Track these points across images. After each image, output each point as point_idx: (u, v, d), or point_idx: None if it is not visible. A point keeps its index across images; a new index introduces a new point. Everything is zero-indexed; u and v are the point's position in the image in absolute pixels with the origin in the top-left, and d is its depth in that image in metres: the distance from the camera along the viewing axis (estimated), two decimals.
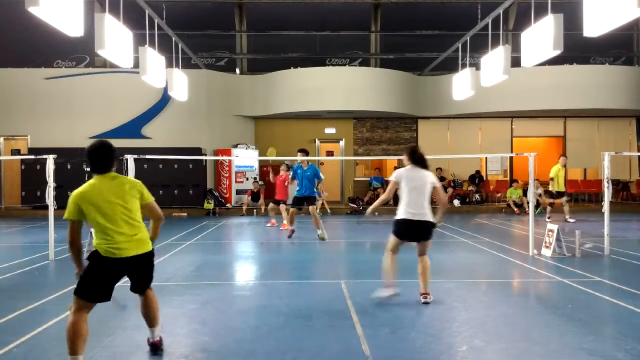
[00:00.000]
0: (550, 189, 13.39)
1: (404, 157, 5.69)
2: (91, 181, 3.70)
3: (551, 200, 13.73)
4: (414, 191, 5.44)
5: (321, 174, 10.56)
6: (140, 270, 3.80)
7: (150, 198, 3.86)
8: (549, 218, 12.99)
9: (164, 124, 16.99)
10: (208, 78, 17.38)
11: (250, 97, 18.00)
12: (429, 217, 5.48)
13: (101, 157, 3.71)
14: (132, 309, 5.25)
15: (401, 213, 5.49)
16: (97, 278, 3.61)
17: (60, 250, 8.76)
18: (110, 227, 3.60)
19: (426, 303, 5.42)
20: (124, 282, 3.86)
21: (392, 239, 5.64)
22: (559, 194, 13.36)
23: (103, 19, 7.35)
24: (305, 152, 10.43)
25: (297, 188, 10.34)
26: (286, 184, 12.27)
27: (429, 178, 5.55)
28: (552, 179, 13.21)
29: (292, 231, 10.42)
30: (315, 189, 10.41)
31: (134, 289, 3.90)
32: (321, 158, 18.98)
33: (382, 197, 5.74)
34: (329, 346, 4.17)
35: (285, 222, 12.18)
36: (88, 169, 3.77)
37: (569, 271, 7.02)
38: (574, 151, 19.00)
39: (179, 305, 5.40)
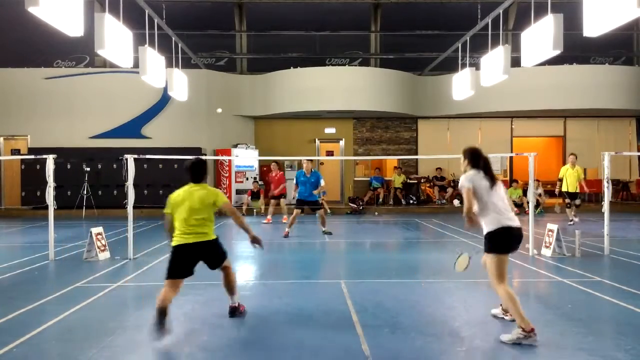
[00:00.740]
0: (556, 190, 12.70)
1: (464, 162, 4.77)
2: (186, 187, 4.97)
3: (567, 201, 12.65)
4: (496, 195, 4.55)
5: (322, 182, 11.07)
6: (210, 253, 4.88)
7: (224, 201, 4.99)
8: (571, 222, 12.28)
9: (164, 123, 16.99)
10: (208, 78, 17.38)
11: (250, 97, 18.00)
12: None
13: (197, 169, 5.12)
14: (131, 309, 5.25)
15: (500, 222, 4.46)
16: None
17: (60, 250, 8.76)
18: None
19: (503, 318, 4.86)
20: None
21: (498, 262, 4.42)
22: (571, 196, 12.34)
23: (103, 19, 7.35)
24: (310, 161, 11.22)
25: (301, 191, 10.94)
26: (283, 185, 13.57)
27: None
28: (560, 179, 12.70)
29: (288, 233, 10.75)
30: (316, 193, 10.99)
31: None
32: (321, 158, 18.99)
33: (466, 206, 4.48)
34: (329, 346, 4.17)
35: (285, 215, 13.22)
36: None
37: (569, 271, 7.02)
38: (573, 151, 18.87)
39: (179, 305, 5.39)
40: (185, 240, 4.72)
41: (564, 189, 12.59)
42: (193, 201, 4.82)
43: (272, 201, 13.98)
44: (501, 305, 4.85)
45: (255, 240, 4.93)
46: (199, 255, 4.81)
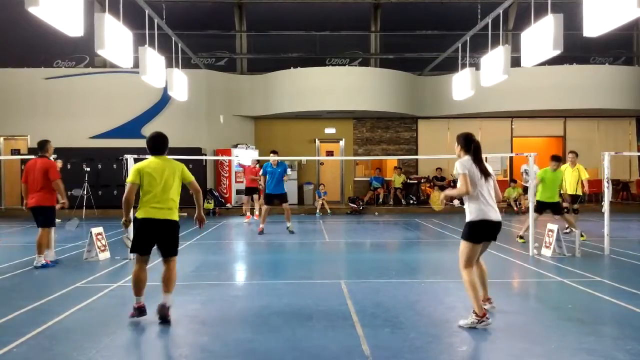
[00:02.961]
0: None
1: (457, 147, 4.92)
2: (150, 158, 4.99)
3: (566, 205, 11.03)
4: (486, 187, 4.75)
5: (289, 170, 11.61)
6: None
7: (191, 178, 5.08)
8: (567, 230, 10.41)
9: (164, 124, 16.96)
10: (208, 78, 17.38)
11: (250, 97, 18.00)
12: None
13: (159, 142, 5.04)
14: (131, 309, 5.24)
15: (484, 214, 4.69)
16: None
17: (60, 250, 8.76)
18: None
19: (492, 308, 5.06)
20: None
21: (470, 249, 4.71)
22: (572, 198, 10.94)
23: (103, 19, 7.35)
24: (275, 152, 11.55)
25: (268, 183, 11.24)
26: (253, 178, 13.58)
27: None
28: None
29: (262, 229, 11.09)
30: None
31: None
32: (321, 158, 19.00)
33: (461, 190, 4.69)
34: (329, 346, 4.17)
35: (257, 212, 13.59)
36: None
37: (569, 271, 7.02)
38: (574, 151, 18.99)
39: (179, 305, 5.39)
40: (153, 214, 4.76)
41: (565, 190, 11.03)
42: (166, 174, 4.84)
43: (245, 198, 14.17)
44: (489, 298, 5.14)
45: (200, 218, 5.14)
46: (161, 235, 4.83)
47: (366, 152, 19.04)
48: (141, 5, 10.11)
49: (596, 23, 5.77)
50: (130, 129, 16.85)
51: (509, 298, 5.82)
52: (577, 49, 17.11)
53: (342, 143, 19.15)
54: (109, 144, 16.38)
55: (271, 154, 11.36)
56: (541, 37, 7.71)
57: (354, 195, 17.86)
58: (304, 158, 17.67)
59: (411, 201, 17.52)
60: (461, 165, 4.70)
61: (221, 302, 5.62)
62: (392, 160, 19.14)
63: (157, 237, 4.84)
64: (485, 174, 4.76)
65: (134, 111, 16.87)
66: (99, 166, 16.02)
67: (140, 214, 4.81)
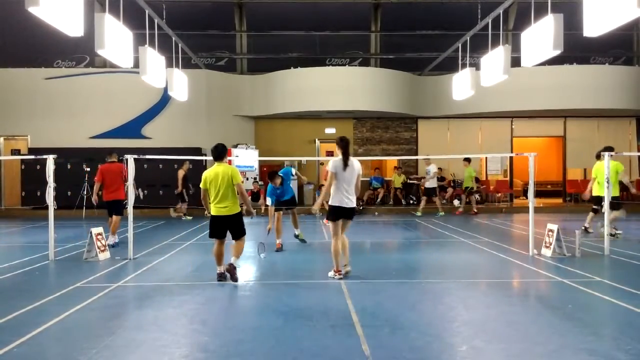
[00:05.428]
0: (586, 193, 10.93)
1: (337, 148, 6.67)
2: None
3: (596, 207, 10.55)
4: (346, 180, 6.53)
5: (294, 170, 9.78)
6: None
7: (238, 180, 6.47)
8: (587, 228, 10.67)
9: (164, 124, 17.00)
10: (208, 78, 17.38)
11: (250, 97, 18.01)
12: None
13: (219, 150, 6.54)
14: (131, 309, 5.25)
15: (340, 201, 6.52)
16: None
17: (60, 250, 8.76)
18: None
19: (347, 272, 6.71)
20: None
21: (333, 225, 6.60)
22: (598, 200, 10.11)
23: (103, 19, 7.35)
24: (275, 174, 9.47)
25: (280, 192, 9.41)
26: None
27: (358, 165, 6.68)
28: (594, 178, 10.83)
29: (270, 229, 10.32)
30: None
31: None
32: (321, 158, 18.99)
33: (326, 188, 6.64)
34: (329, 346, 4.17)
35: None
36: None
37: (569, 271, 7.02)
38: (573, 151, 19.02)
39: (179, 305, 5.40)
40: (217, 212, 6.45)
41: (595, 192, 10.57)
42: (220, 179, 6.36)
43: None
44: (346, 264, 6.81)
45: (249, 213, 6.86)
46: (227, 225, 6.54)
47: (366, 152, 19.04)
48: (141, 5, 10.12)
49: (596, 23, 5.78)
50: (130, 129, 16.85)
51: (509, 298, 5.82)
52: (577, 49, 17.11)
53: None
54: (109, 144, 16.34)
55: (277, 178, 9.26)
56: (541, 37, 7.72)
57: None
58: (304, 158, 17.67)
59: (411, 201, 17.52)
60: (333, 165, 6.47)
61: (221, 302, 5.63)
62: (392, 160, 19.13)
63: (225, 227, 6.54)
64: (346, 167, 6.47)
65: (134, 111, 16.88)
66: (99, 166, 15.96)
67: (211, 211, 6.54)
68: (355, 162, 6.62)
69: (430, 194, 15.52)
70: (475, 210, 15.73)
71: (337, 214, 6.56)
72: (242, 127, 18.40)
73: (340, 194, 6.47)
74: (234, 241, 6.64)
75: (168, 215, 15.13)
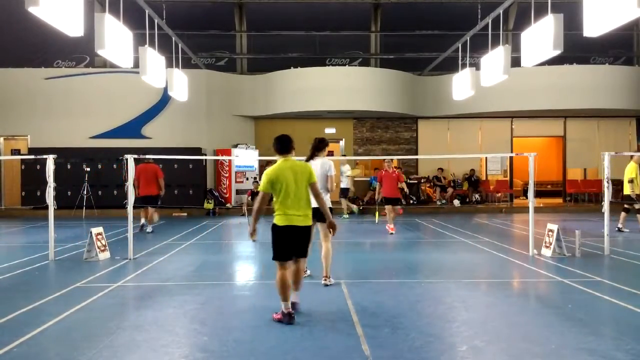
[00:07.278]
0: (630, 192, 11.16)
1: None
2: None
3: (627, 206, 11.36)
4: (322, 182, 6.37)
5: (333, 170, 10.42)
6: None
7: (314, 179, 5.02)
8: (622, 229, 11.21)
9: (164, 124, 16.99)
10: (208, 78, 17.38)
11: (250, 97, 18.00)
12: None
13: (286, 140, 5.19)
14: (131, 309, 5.25)
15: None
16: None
17: (60, 250, 8.76)
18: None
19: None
20: None
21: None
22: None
23: (103, 19, 7.35)
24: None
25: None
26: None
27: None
28: (631, 180, 11.19)
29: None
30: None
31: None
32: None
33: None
34: (329, 346, 4.17)
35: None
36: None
37: (569, 271, 7.02)
38: (574, 151, 19.02)
39: (179, 305, 5.40)
40: (288, 221, 4.74)
41: (626, 191, 11.24)
42: (290, 176, 4.77)
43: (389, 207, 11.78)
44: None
45: (331, 225, 5.20)
46: (300, 240, 4.87)
47: (366, 152, 19.04)
48: (141, 5, 10.11)
49: (596, 23, 5.77)
50: (130, 129, 16.84)
51: (509, 298, 5.82)
52: (577, 49, 17.10)
53: (342, 143, 19.15)
54: (109, 144, 16.39)
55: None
56: (541, 37, 7.71)
57: (354, 195, 17.85)
58: (303, 158, 17.63)
59: (411, 201, 17.52)
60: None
61: (221, 302, 5.62)
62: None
63: (297, 243, 4.88)
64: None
65: (134, 111, 16.87)
66: (99, 166, 16.01)
67: (280, 221, 4.78)
68: (322, 162, 6.61)
69: (344, 195, 15.73)
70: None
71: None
72: (242, 127, 18.39)
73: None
74: (290, 264, 4.96)
75: (168, 215, 15.13)
